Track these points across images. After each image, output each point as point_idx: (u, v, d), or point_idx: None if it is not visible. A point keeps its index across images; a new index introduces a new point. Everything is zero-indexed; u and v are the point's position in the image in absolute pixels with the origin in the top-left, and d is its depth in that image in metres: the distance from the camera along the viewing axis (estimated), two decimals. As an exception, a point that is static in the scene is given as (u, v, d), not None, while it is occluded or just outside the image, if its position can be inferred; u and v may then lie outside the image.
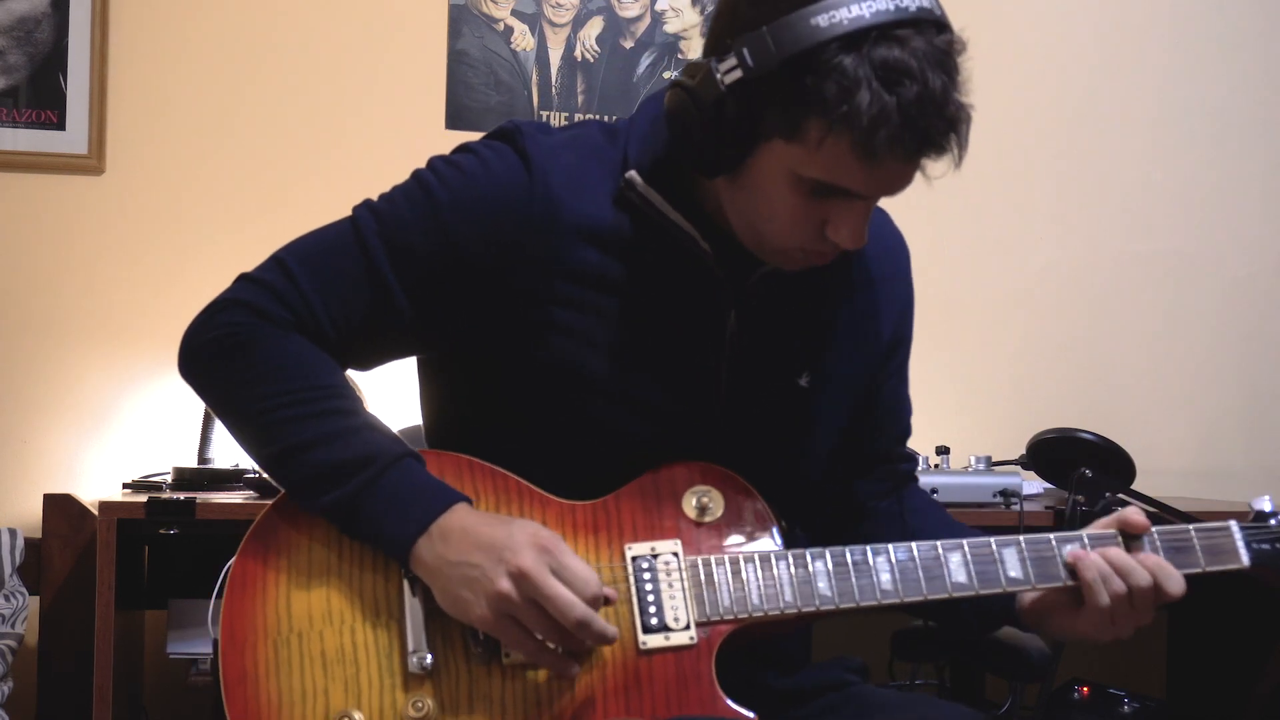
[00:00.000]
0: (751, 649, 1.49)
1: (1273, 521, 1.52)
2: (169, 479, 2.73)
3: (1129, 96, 3.56)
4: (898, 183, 1.35)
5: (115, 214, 3.09)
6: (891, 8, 1.28)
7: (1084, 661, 3.33)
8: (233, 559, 1.41)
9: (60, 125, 3.06)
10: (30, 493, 2.97)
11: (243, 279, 1.47)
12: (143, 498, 2.55)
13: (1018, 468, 2.95)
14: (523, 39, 3.28)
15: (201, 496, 2.56)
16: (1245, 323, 3.59)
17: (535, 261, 1.43)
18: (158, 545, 2.76)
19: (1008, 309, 3.50)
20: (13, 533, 2.79)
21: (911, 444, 3.10)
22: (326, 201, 1.52)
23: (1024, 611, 1.52)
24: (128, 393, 3.06)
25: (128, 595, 2.64)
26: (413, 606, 1.37)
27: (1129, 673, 3.42)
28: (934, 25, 1.31)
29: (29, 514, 2.94)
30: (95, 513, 2.50)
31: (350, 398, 1.44)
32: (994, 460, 2.93)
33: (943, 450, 2.96)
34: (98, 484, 3.00)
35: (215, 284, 1.51)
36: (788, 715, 1.53)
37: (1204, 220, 3.59)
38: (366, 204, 1.48)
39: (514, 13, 3.28)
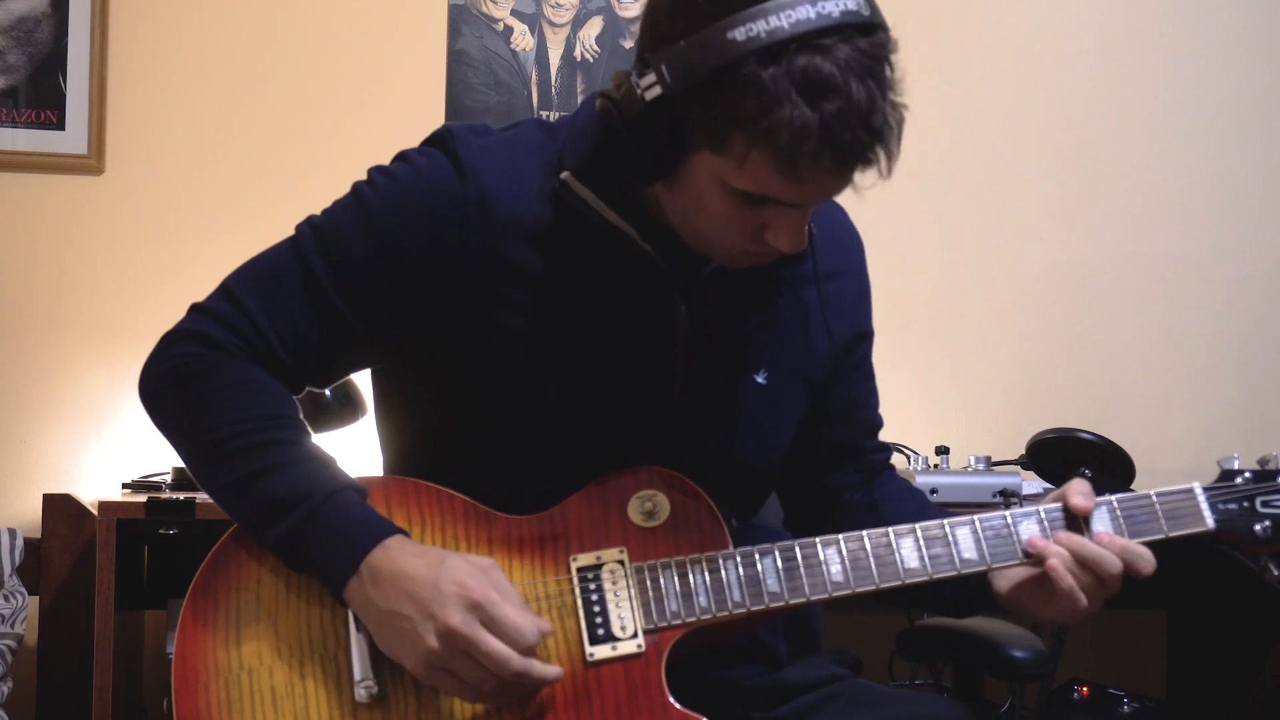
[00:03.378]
0: (725, 648, 1.48)
1: (1238, 480, 1.43)
2: (168, 479, 2.74)
3: (1129, 96, 3.56)
4: (829, 192, 1.34)
5: (115, 214, 3.09)
6: (813, 16, 1.25)
7: (1084, 661, 3.33)
8: (185, 596, 1.40)
9: (60, 125, 3.06)
10: (30, 493, 2.97)
11: (194, 310, 1.47)
12: (142, 498, 2.56)
13: (1017, 468, 2.95)
14: (522, 39, 3.28)
15: (201, 496, 2.55)
16: (1245, 323, 3.58)
17: (474, 264, 1.42)
18: (157, 545, 2.76)
19: (1008, 309, 3.49)
20: (12, 533, 2.79)
21: (911, 444, 3.09)
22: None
23: (999, 597, 1.49)
24: (127, 392, 3.00)
25: (127, 595, 2.64)
26: (358, 637, 1.36)
27: (1129, 673, 3.42)
28: (859, 29, 1.27)
29: (28, 514, 2.94)
30: (95, 513, 2.51)
31: (296, 428, 1.42)
32: (994, 460, 2.93)
33: (942, 450, 2.96)
34: (97, 484, 2.99)
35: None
36: (774, 712, 1.51)
37: (1204, 220, 3.58)
38: (308, 221, 1.47)
39: (514, 13, 3.28)
